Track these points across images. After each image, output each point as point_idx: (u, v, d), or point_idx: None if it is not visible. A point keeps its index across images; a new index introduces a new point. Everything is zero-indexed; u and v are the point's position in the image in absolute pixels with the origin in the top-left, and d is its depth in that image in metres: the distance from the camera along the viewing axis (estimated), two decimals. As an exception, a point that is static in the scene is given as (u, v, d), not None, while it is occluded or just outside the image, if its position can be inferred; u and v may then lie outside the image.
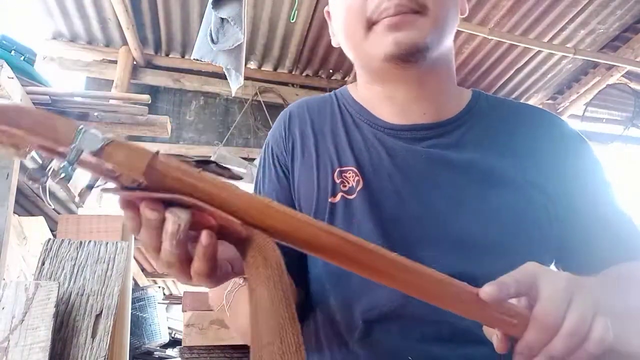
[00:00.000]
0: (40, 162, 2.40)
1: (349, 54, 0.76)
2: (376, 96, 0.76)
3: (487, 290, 0.46)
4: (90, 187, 0.45)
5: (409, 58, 0.68)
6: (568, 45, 3.98)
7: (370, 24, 0.68)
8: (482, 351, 0.62)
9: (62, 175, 0.41)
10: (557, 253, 0.71)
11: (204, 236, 0.44)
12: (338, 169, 0.71)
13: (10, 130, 0.40)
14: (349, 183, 0.70)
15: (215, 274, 0.47)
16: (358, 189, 0.69)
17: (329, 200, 0.70)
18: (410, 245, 0.65)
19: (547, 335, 0.46)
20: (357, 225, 0.68)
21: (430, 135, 0.73)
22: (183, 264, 0.46)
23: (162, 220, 0.44)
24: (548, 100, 4.93)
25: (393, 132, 0.73)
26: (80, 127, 0.42)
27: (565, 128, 0.77)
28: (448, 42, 0.73)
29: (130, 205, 0.45)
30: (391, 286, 0.47)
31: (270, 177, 0.77)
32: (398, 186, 0.69)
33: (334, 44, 0.81)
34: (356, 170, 0.71)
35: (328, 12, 0.81)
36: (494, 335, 0.49)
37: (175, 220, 0.43)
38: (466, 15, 0.78)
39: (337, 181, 0.71)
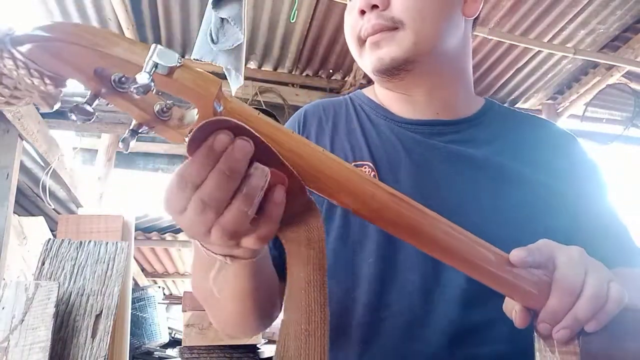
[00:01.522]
0: (40, 162, 2.40)
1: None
2: (391, 95, 0.79)
3: (516, 253, 0.48)
4: (134, 133, 0.41)
5: (393, 72, 0.72)
6: (568, 45, 3.98)
7: (361, 42, 0.73)
8: (485, 351, 0.62)
9: (139, 85, 0.36)
10: None
11: (279, 193, 0.40)
12: (353, 164, 0.71)
13: (87, 48, 0.36)
14: None
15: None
16: None
17: None
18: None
19: (571, 299, 0.48)
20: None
21: (447, 131, 0.75)
22: (242, 227, 0.40)
23: (243, 172, 0.38)
24: (548, 100, 4.93)
25: (410, 126, 0.75)
26: (153, 44, 0.38)
27: (571, 139, 0.81)
28: (449, 47, 0.73)
29: (201, 141, 0.38)
30: (427, 248, 0.48)
31: None
32: (414, 180, 0.70)
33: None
34: (372, 165, 0.72)
35: None
36: (513, 311, 0.50)
37: (263, 174, 0.38)
38: (476, 15, 0.78)
39: None
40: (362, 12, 0.71)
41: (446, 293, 0.65)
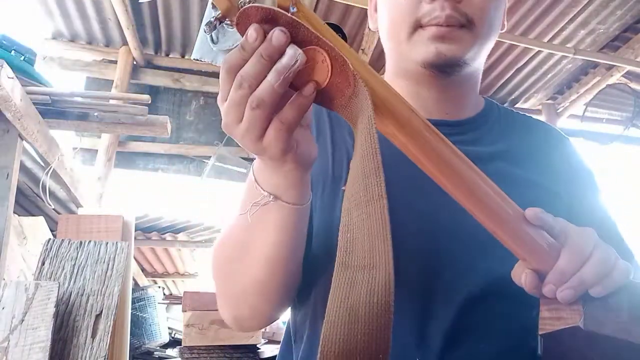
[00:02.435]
0: (40, 162, 2.40)
1: (386, 45, 0.77)
2: (400, 92, 0.77)
3: (531, 209, 0.50)
4: (210, 26, 0.49)
5: (446, 69, 0.70)
6: (568, 45, 3.99)
7: (417, 26, 0.69)
8: (485, 349, 0.62)
9: None
10: None
11: (308, 87, 0.45)
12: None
13: None
14: None
15: (291, 141, 0.48)
16: None
17: (342, 188, 0.70)
18: (428, 236, 0.66)
19: (579, 260, 0.49)
20: None
21: (453, 132, 0.73)
22: (270, 109, 0.45)
23: (280, 52, 0.43)
24: (548, 100, 4.93)
25: None
26: None
27: (567, 142, 0.81)
28: (484, 56, 0.75)
29: (247, 20, 0.45)
30: (452, 185, 0.50)
31: None
32: (417, 177, 0.70)
33: (371, 27, 0.81)
34: None
35: None
36: (522, 275, 0.51)
37: (294, 55, 0.43)
38: (505, 30, 0.81)
39: None
40: None
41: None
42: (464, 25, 0.68)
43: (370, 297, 0.36)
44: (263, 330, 2.74)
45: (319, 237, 0.67)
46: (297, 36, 0.44)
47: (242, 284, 0.62)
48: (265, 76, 0.44)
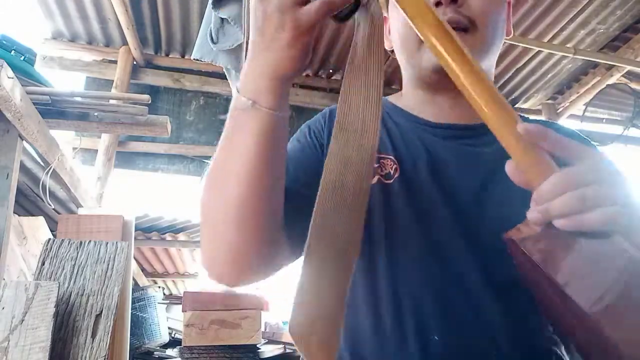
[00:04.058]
0: (40, 162, 2.40)
1: (401, 60, 0.81)
2: (418, 100, 0.82)
3: (525, 124, 0.49)
4: None
5: None
6: (568, 45, 3.98)
7: None
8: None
9: None
10: None
11: None
12: (376, 155, 0.74)
13: None
14: (386, 169, 0.74)
15: (315, 30, 0.52)
16: (395, 176, 0.73)
17: None
18: (444, 234, 0.69)
19: (561, 188, 0.46)
20: (393, 209, 0.71)
21: (467, 135, 0.78)
22: None
23: None
24: (548, 100, 4.93)
25: (430, 128, 0.78)
26: None
27: (563, 130, 0.83)
28: (492, 61, 0.78)
29: None
30: (463, 77, 0.51)
31: (299, 142, 0.78)
32: (435, 177, 0.73)
33: (387, 47, 0.84)
34: (394, 159, 0.75)
35: (385, 18, 0.84)
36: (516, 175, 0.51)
37: None
38: (511, 36, 0.82)
39: (375, 165, 0.73)
40: (438, 4, 0.70)
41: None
42: (467, 28, 0.70)
43: (359, 153, 0.55)
44: (263, 330, 2.74)
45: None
46: None
47: (218, 210, 0.61)
48: None
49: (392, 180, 0.73)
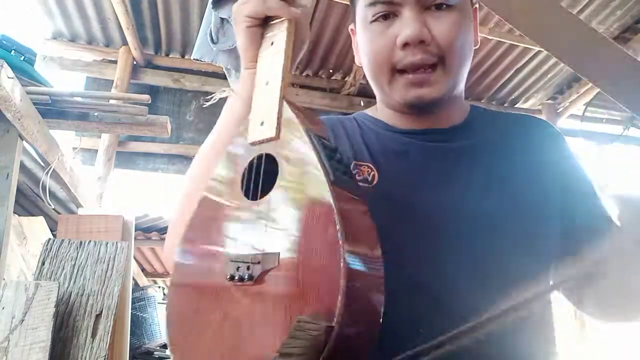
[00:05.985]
0: (40, 162, 2.40)
1: (371, 84, 0.82)
2: (391, 116, 0.83)
3: None
4: None
5: (428, 108, 0.76)
6: (568, 45, 3.98)
7: (394, 71, 0.74)
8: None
9: None
10: (562, 245, 0.75)
11: None
12: (354, 162, 0.76)
13: None
14: (363, 174, 0.75)
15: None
16: (373, 183, 0.75)
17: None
18: (426, 234, 0.69)
19: None
20: (373, 214, 0.70)
21: (443, 139, 0.79)
22: None
23: None
24: (548, 100, 4.93)
25: (407, 134, 0.80)
26: None
27: (557, 136, 0.84)
28: (463, 81, 0.79)
29: None
30: None
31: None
32: (412, 180, 0.74)
33: (357, 62, 0.85)
34: (372, 166, 0.76)
35: (352, 30, 0.85)
36: None
37: None
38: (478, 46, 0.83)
39: (353, 172, 0.74)
40: (406, 45, 0.71)
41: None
42: (436, 63, 0.72)
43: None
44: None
45: None
46: None
47: (191, 195, 0.64)
48: None
49: (370, 186, 0.74)
